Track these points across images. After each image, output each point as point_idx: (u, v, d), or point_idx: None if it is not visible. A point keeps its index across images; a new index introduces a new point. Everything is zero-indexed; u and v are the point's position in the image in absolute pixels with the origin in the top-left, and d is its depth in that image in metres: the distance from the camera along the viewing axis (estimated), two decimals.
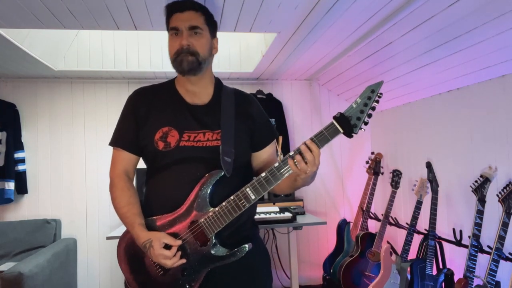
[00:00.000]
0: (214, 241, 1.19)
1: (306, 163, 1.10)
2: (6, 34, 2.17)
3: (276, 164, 1.14)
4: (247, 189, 1.16)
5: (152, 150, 1.25)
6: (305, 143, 1.10)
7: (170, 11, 1.28)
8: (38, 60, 2.65)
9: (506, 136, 2.03)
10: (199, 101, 1.31)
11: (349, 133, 1.10)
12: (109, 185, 1.32)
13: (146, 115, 1.28)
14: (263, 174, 1.15)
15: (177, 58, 1.24)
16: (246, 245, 1.19)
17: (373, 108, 1.10)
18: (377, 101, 1.10)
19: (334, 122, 1.10)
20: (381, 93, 1.10)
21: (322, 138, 1.11)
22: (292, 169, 1.12)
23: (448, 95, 2.49)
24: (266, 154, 1.38)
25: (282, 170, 1.13)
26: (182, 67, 1.23)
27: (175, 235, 1.20)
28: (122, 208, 1.25)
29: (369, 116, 1.10)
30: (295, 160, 1.10)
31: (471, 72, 2.16)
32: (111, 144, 1.34)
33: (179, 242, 1.17)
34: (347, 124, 1.09)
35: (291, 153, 1.12)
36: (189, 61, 1.23)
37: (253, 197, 1.15)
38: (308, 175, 1.14)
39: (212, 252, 1.19)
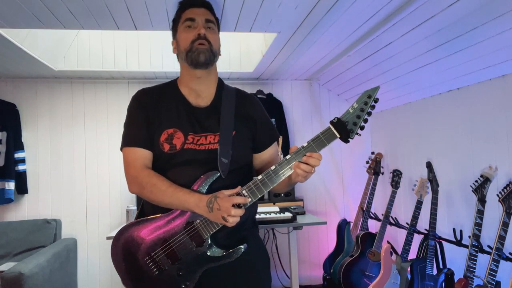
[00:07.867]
0: (209, 242, 1.19)
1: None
2: (6, 34, 2.17)
3: (273, 167, 1.14)
4: (243, 191, 1.15)
5: (157, 152, 1.24)
6: (304, 154, 1.10)
7: (186, 5, 1.30)
8: (38, 60, 2.65)
9: (506, 136, 2.03)
10: (202, 102, 1.30)
11: (345, 138, 1.10)
12: (133, 184, 1.24)
13: (152, 115, 1.26)
14: (259, 177, 1.15)
15: (192, 48, 1.23)
16: (242, 246, 1.19)
17: (369, 114, 1.10)
18: (373, 107, 1.10)
19: (331, 127, 1.11)
20: (377, 98, 1.09)
21: (319, 142, 1.11)
22: (300, 176, 1.12)
23: (448, 95, 2.49)
24: (268, 155, 1.38)
25: (279, 173, 1.13)
26: (198, 58, 1.23)
27: (170, 236, 1.20)
28: (169, 188, 1.19)
29: (365, 121, 1.10)
30: (301, 168, 1.10)
31: (471, 72, 2.16)
32: (125, 145, 1.26)
33: (238, 190, 1.15)
34: (343, 129, 1.10)
35: (288, 156, 1.13)
36: (205, 50, 1.23)
37: (249, 199, 1.15)
38: (307, 177, 1.16)
39: (208, 253, 1.19)
